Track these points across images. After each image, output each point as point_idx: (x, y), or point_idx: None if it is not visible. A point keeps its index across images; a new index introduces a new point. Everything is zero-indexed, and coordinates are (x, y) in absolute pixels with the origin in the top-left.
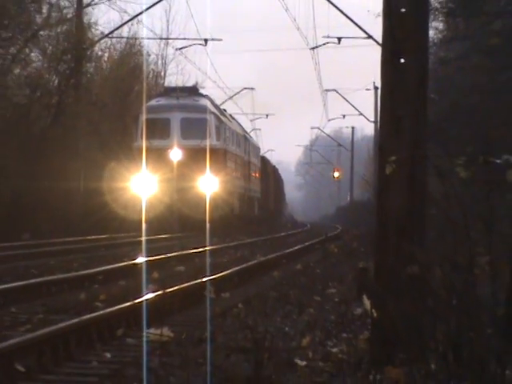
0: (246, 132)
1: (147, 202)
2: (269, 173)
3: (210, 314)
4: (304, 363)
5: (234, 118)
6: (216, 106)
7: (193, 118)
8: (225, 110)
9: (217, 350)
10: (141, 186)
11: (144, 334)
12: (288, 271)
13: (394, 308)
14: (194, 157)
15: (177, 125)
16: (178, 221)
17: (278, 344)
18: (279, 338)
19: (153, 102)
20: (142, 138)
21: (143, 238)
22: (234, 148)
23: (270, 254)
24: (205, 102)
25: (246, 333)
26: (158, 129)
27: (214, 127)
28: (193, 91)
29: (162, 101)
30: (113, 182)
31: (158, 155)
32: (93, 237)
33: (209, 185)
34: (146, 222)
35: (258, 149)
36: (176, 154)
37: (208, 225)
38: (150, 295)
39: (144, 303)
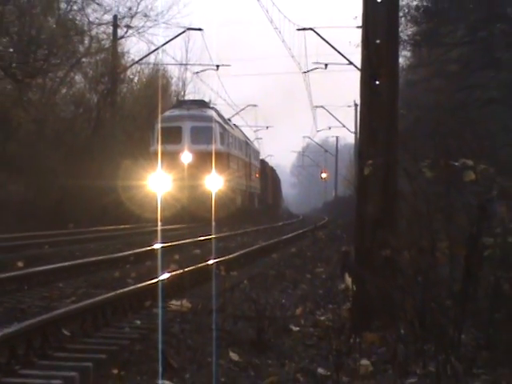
0: (248, 138)
1: (162, 198)
2: (267, 173)
3: (221, 288)
4: (297, 329)
5: (237, 127)
6: (221, 116)
7: (200, 126)
8: (229, 120)
9: (226, 318)
10: (157, 183)
11: (159, 306)
12: (284, 254)
13: (370, 284)
14: (202, 159)
15: (187, 132)
16: (188, 213)
17: (276, 313)
18: (277, 308)
19: (167, 113)
20: (157, 144)
21: (159, 228)
22: (236, 152)
23: (270, 239)
24: (211, 112)
25: (250, 304)
26: (171, 135)
27: (219, 134)
28: (201, 104)
29: (175, 112)
30: (138, 181)
31: (171, 158)
32: (124, 226)
33: (214, 183)
34: (161, 215)
35: (257, 153)
36: (186, 157)
37: (214, 216)
38: (172, 273)
39: (159, 283)
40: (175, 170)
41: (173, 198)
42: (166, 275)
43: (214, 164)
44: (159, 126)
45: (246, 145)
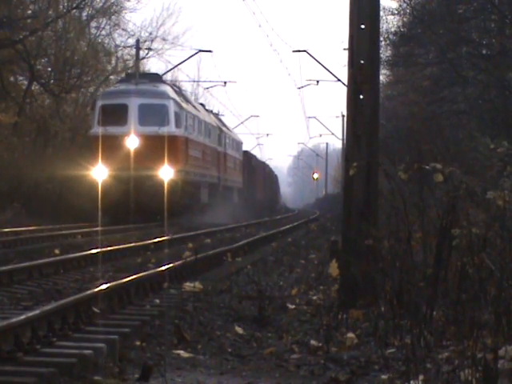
0: (225, 125)
1: (102, 191)
2: (254, 166)
3: (228, 272)
4: (293, 307)
5: (210, 111)
6: (180, 94)
7: (151, 103)
8: (203, 105)
9: (233, 298)
10: (97, 174)
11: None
12: (282, 242)
13: (355, 268)
14: (152, 144)
15: (134, 111)
16: (133, 210)
17: (275, 293)
18: (276, 289)
19: (111, 88)
20: (98, 125)
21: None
22: (202, 137)
23: (269, 230)
24: (165, 88)
25: (252, 286)
26: (115, 115)
27: (174, 114)
28: (154, 78)
29: (121, 86)
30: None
31: (114, 142)
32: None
33: (167, 173)
34: (102, 211)
35: (239, 143)
36: (133, 142)
37: (168, 213)
38: (186, 259)
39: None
40: (119, 158)
41: (115, 192)
42: (181, 261)
43: (168, 150)
44: (100, 103)
45: (220, 131)
